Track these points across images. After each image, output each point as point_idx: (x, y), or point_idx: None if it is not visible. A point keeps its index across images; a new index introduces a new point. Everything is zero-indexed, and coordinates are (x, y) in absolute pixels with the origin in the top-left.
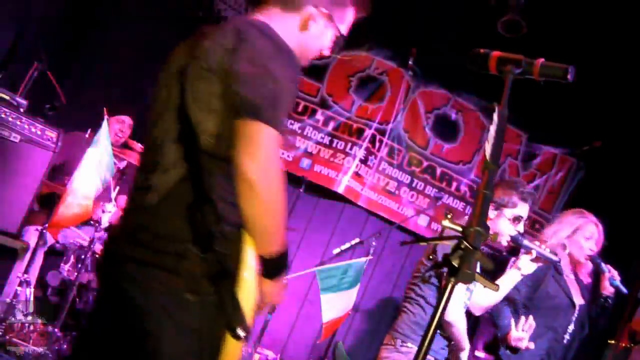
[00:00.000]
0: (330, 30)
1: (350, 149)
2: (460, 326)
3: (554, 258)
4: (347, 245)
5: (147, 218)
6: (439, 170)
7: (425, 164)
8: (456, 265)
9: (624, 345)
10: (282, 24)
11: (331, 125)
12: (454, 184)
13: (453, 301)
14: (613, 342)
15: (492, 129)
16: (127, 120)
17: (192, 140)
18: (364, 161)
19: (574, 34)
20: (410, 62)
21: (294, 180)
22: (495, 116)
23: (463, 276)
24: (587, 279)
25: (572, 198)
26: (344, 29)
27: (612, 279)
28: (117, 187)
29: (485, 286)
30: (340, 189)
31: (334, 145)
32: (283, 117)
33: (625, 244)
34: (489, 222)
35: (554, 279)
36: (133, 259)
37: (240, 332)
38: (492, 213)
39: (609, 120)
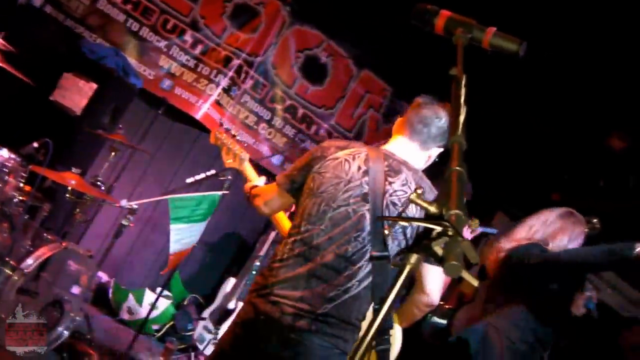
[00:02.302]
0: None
1: (215, 76)
2: None
3: None
4: (202, 175)
5: (330, 306)
6: (300, 111)
7: (287, 102)
8: (440, 255)
9: (449, 306)
10: (418, 160)
11: (199, 48)
12: (314, 127)
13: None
14: (440, 302)
15: (462, 98)
16: None
17: (382, 260)
18: (226, 91)
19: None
20: None
21: (153, 100)
22: (462, 85)
23: (449, 269)
24: None
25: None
26: None
27: (589, 301)
28: None
29: (469, 281)
30: (198, 116)
31: (198, 69)
32: None
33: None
34: None
35: None
36: (316, 332)
37: None
38: None
39: (478, 89)
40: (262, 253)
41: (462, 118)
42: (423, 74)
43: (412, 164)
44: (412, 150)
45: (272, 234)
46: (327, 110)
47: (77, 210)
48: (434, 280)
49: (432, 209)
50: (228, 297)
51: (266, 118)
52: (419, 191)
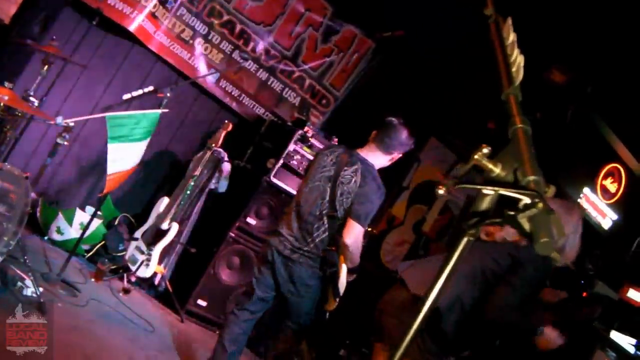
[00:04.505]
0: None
1: None
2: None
3: None
4: (140, 92)
5: (310, 246)
6: (238, 27)
7: (225, 17)
8: (528, 231)
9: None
10: (380, 160)
11: None
12: (251, 44)
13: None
14: (369, 229)
15: (509, 43)
16: None
17: (334, 218)
18: (162, 2)
19: None
20: None
21: (86, 10)
22: (507, 27)
23: (541, 247)
24: None
25: (364, 81)
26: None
27: None
28: None
29: (553, 259)
30: (132, 28)
31: None
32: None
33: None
34: None
35: None
36: (302, 262)
37: (339, 293)
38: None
39: (413, 12)
40: (197, 173)
41: (516, 67)
42: None
43: (371, 162)
44: (376, 153)
45: (208, 154)
46: (265, 27)
47: (8, 127)
48: (350, 230)
49: (497, 170)
50: (161, 217)
51: (202, 33)
52: (485, 150)
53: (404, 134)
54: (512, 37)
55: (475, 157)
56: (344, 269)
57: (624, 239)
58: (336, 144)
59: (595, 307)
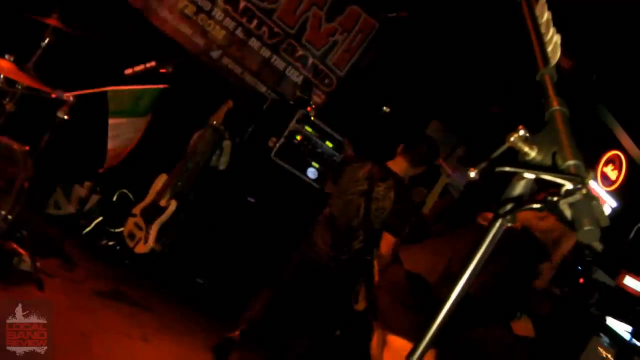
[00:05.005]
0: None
1: None
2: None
3: None
4: (141, 67)
5: (346, 255)
6: (242, 4)
7: None
8: (569, 218)
9: None
10: (408, 172)
11: None
12: (255, 22)
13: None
14: None
15: (543, 21)
16: None
17: (370, 230)
18: None
19: None
20: None
21: None
22: (541, 5)
23: (585, 235)
24: None
25: (368, 61)
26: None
27: None
28: None
29: (594, 247)
30: (135, 3)
31: None
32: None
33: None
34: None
35: None
36: (338, 270)
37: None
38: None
39: None
40: (197, 150)
41: (552, 46)
42: None
43: (400, 175)
44: (403, 166)
45: (209, 131)
46: (269, 5)
47: (7, 99)
48: (385, 242)
49: (533, 153)
50: (160, 194)
51: (206, 9)
52: (521, 132)
53: (430, 148)
54: (546, 15)
55: (511, 139)
56: (376, 275)
57: (623, 226)
58: (358, 154)
59: (591, 294)
